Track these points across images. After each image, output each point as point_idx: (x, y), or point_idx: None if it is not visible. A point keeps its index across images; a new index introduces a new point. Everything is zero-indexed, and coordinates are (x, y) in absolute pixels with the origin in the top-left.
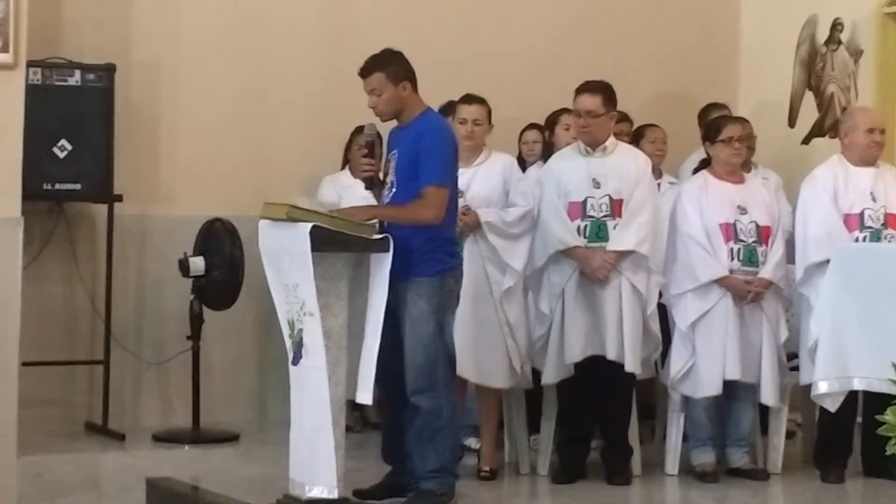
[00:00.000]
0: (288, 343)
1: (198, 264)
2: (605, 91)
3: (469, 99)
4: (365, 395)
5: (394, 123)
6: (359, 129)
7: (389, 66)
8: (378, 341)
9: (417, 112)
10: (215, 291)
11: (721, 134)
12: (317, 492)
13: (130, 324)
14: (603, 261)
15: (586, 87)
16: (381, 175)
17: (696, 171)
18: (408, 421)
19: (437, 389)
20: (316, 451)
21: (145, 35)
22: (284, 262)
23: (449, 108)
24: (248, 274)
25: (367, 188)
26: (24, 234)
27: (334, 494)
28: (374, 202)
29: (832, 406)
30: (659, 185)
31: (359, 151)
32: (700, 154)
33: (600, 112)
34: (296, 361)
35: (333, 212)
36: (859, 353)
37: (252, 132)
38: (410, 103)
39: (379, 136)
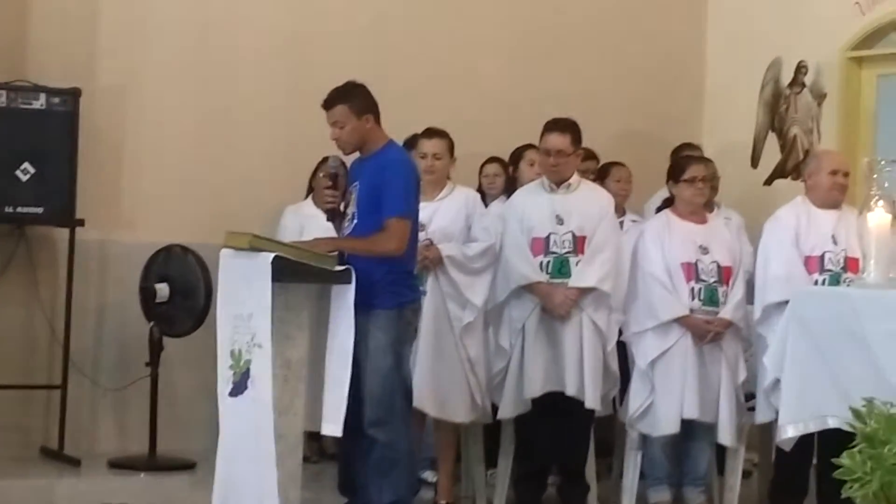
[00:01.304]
0: (227, 374)
1: (164, 291)
2: (573, 130)
3: (429, 133)
4: (334, 427)
5: (356, 155)
6: (325, 159)
7: (352, 98)
8: (348, 373)
9: (380, 145)
10: (175, 318)
11: (685, 174)
12: None
13: (89, 349)
14: (565, 297)
15: (555, 126)
16: (342, 207)
17: (658, 209)
18: (364, 453)
19: (394, 422)
20: (259, 484)
21: (111, 60)
22: (242, 291)
23: (413, 142)
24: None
25: (328, 220)
26: None
27: None
28: (336, 234)
29: (787, 446)
30: (622, 223)
31: (322, 181)
32: (665, 193)
33: (569, 151)
34: (236, 393)
35: (296, 243)
36: (820, 395)
37: (216, 160)
38: (373, 136)
39: (344, 166)
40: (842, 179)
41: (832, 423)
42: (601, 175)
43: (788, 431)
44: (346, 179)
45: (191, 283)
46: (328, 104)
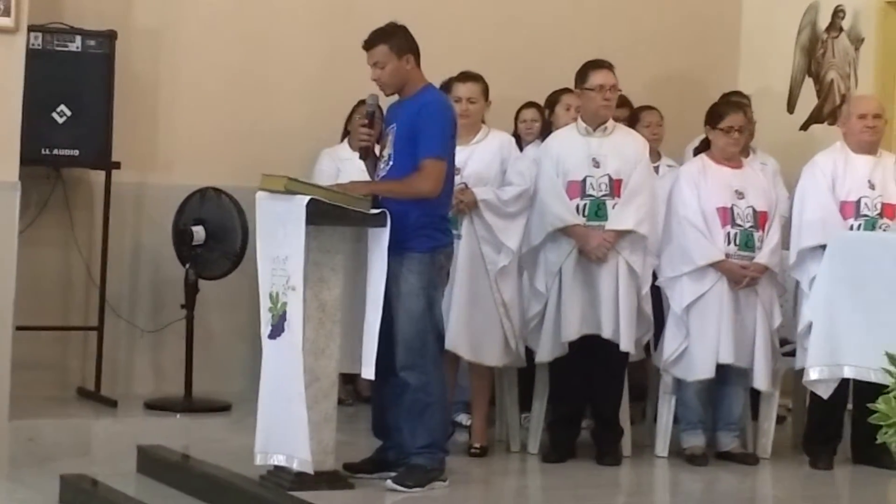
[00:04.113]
0: (267, 316)
1: (200, 233)
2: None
3: (464, 77)
4: (368, 370)
5: (395, 98)
6: (361, 102)
7: (393, 38)
8: (379, 316)
9: (418, 87)
10: (210, 260)
11: (722, 122)
12: (296, 464)
13: (125, 291)
14: (602, 239)
15: (603, 64)
16: (375, 148)
17: (696, 150)
18: (397, 396)
19: (426, 365)
20: (293, 424)
21: (147, 2)
22: (279, 234)
23: (448, 86)
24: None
25: (361, 158)
26: (21, 199)
27: (309, 469)
28: (368, 173)
29: (825, 393)
30: (657, 167)
31: (359, 121)
32: None
33: (618, 87)
34: (275, 335)
35: (332, 186)
36: (850, 341)
37: (252, 103)
38: (413, 77)
39: (380, 107)
40: (871, 122)
41: (847, 373)
42: (632, 121)
43: (811, 374)
44: (381, 119)
45: (226, 226)
46: (369, 44)
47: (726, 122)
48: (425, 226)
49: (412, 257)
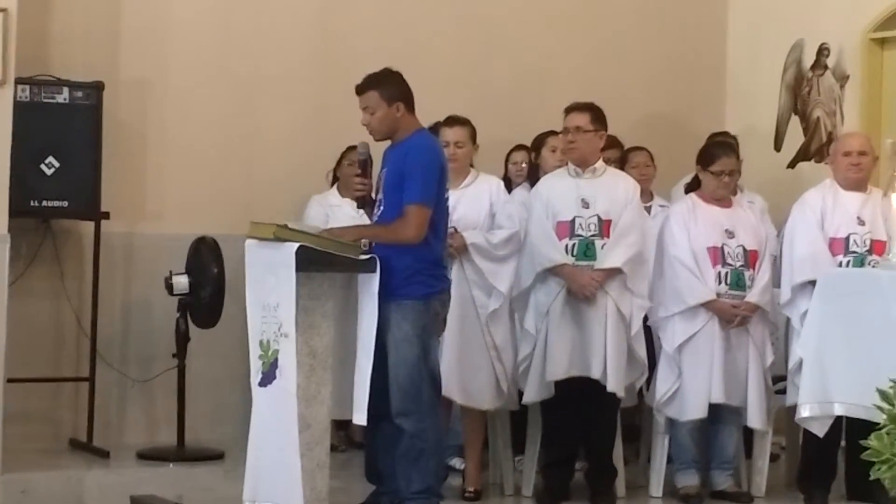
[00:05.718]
0: (257, 364)
1: (182, 282)
2: (593, 110)
3: (451, 121)
4: (360, 416)
5: (387, 143)
6: (350, 148)
7: (385, 85)
8: (371, 361)
9: (409, 132)
10: (201, 310)
11: (713, 165)
12: None
13: (116, 341)
14: (591, 279)
15: (576, 106)
16: (373, 194)
17: (688, 186)
18: (392, 442)
19: (422, 412)
20: (286, 472)
21: (134, 53)
22: (269, 281)
23: (435, 130)
24: (234, 292)
25: (359, 207)
26: (10, 251)
27: None
28: (363, 221)
29: (820, 431)
30: (650, 207)
31: (350, 169)
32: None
33: (588, 129)
34: (265, 383)
35: (321, 232)
36: (841, 377)
37: (240, 151)
38: (404, 124)
39: (370, 156)
40: (856, 159)
41: (837, 411)
42: (622, 163)
43: (802, 412)
44: (372, 166)
45: (212, 275)
46: (360, 89)
47: (717, 166)
48: (418, 272)
49: (405, 304)
